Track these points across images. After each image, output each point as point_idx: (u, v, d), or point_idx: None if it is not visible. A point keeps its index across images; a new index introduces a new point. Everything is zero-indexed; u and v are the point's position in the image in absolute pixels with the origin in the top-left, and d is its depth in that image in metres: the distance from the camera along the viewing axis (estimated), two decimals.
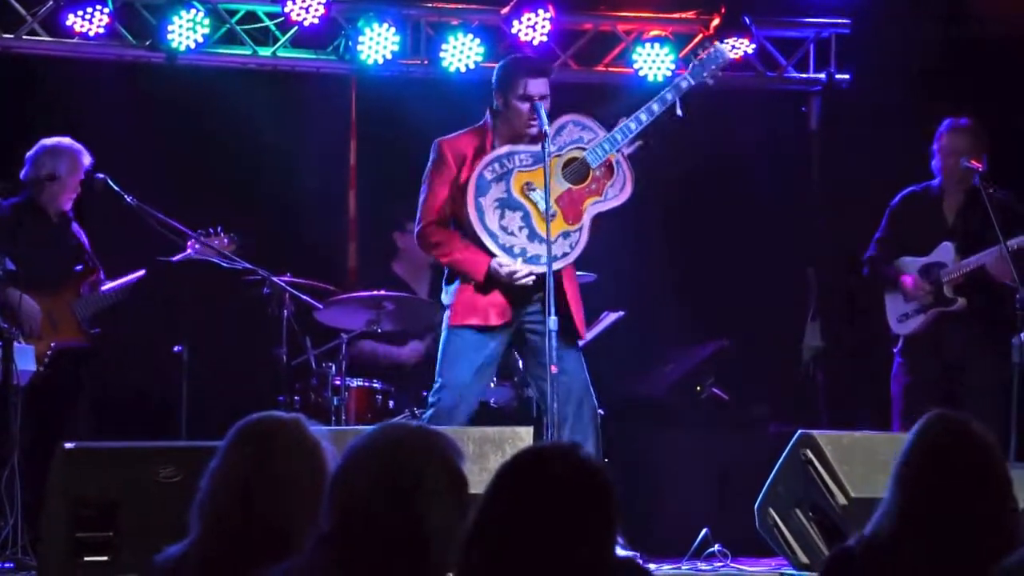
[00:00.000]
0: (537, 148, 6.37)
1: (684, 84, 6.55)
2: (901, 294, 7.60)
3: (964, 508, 3.11)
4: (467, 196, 6.35)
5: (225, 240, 7.49)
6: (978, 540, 3.09)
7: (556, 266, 6.28)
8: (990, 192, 7.22)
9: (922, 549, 3.11)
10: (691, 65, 6.59)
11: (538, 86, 6.43)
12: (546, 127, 6.25)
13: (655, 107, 6.47)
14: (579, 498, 2.62)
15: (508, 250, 6.33)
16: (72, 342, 7.27)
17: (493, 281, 6.34)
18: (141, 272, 7.36)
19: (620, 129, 6.43)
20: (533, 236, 6.35)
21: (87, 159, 7.35)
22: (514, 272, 6.31)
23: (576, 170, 6.40)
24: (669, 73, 9.06)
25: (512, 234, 6.35)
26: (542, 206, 6.30)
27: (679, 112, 6.53)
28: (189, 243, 7.41)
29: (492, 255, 6.32)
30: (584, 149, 6.38)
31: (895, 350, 7.69)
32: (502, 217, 6.36)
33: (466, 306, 6.38)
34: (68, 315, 7.25)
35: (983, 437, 3.20)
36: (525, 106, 6.40)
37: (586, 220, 6.40)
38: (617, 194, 6.45)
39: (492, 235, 6.33)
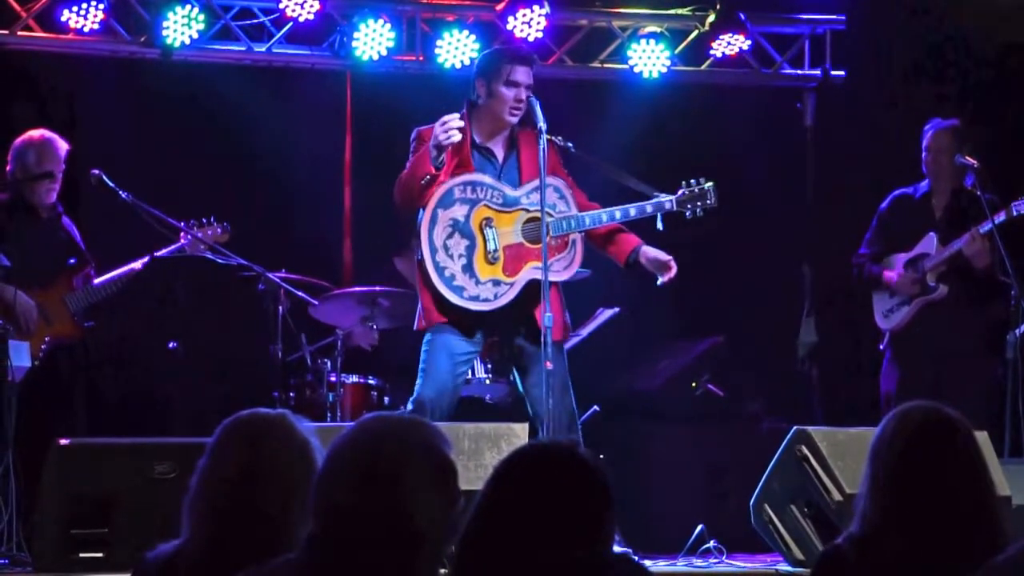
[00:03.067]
0: (512, 192, 6.41)
1: (668, 206, 6.53)
2: (887, 291, 7.67)
3: (939, 498, 3.10)
4: (430, 200, 6.37)
5: (219, 230, 7.47)
6: (960, 531, 3.08)
7: (471, 306, 6.32)
8: (978, 193, 7.31)
9: (905, 542, 3.10)
10: (682, 190, 6.55)
11: (523, 74, 6.45)
12: (541, 124, 6.25)
13: (632, 212, 6.51)
14: (577, 496, 2.63)
15: (440, 269, 6.33)
16: (66, 337, 7.25)
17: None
18: (134, 264, 7.31)
19: (592, 215, 6.47)
20: (467, 269, 6.35)
21: (64, 148, 7.31)
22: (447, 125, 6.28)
23: (534, 230, 6.38)
24: (664, 69, 9.08)
25: (451, 257, 6.35)
26: (491, 246, 6.37)
27: (660, 226, 6.57)
28: (182, 235, 7.38)
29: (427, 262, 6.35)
30: (551, 216, 6.37)
31: (881, 346, 7.73)
32: (449, 237, 6.36)
33: (434, 305, 6.39)
34: (62, 309, 7.23)
35: (953, 426, 3.19)
36: (510, 92, 6.41)
37: (520, 279, 6.37)
38: (560, 271, 6.41)
39: (432, 248, 6.34)
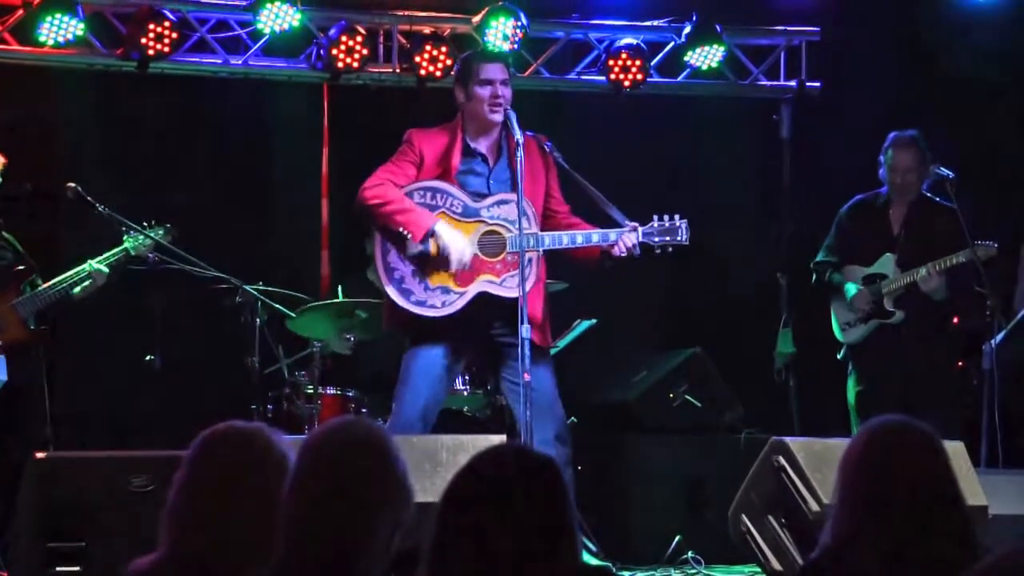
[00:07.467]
0: (472, 203, 6.36)
1: (633, 238, 6.33)
2: (845, 303, 7.69)
3: (908, 512, 3.10)
4: None
5: (160, 231, 7.43)
6: (933, 544, 3.08)
7: (417, 311, 6.27)
8: (938, 203, 7.39)
9: (878, 558, 3.10)
10: (652, 224, 6.37)
11: (494, 70, 6.45)
12: (518, 136, 6.24)
13: (595, 238, 6.34)
14: (518, 498, 2.59)
15: (389, 271, 6.31)
16: (19, 342, 7.21)
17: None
18: (83, 267, 7.28)
19: (552, 236, 6.32)
20: (417, 274, 6.31)
21: None
22: (455, 254, 6.24)
23: (491, 243, 6.32)
24: (641, 81, 9.09)
25: (402, 260, 6.32)
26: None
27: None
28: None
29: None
30: (510, 232, 6.31)
31: (839, 357, 7.77)
32: None
33: (395, 309, 6.37)
34: (11, 315, 7.21)
35: (922, 439, 3.19)
36: (485, 90, 6.41)
37: (471, 290, 6.30)
38: (512, 287, 6.24)
39: (384, 249, 6.34)
